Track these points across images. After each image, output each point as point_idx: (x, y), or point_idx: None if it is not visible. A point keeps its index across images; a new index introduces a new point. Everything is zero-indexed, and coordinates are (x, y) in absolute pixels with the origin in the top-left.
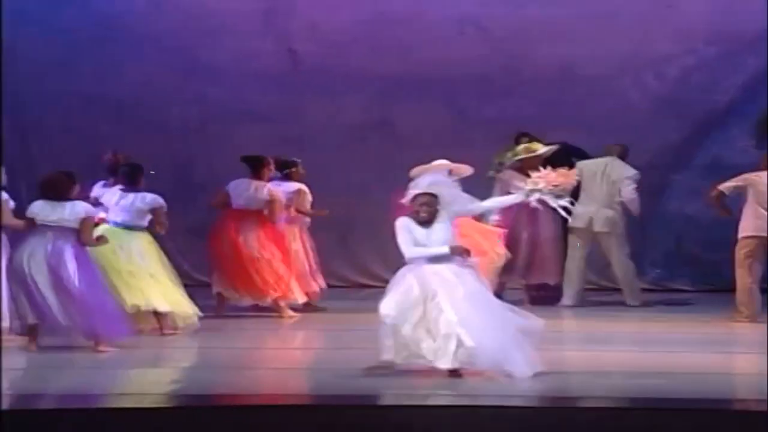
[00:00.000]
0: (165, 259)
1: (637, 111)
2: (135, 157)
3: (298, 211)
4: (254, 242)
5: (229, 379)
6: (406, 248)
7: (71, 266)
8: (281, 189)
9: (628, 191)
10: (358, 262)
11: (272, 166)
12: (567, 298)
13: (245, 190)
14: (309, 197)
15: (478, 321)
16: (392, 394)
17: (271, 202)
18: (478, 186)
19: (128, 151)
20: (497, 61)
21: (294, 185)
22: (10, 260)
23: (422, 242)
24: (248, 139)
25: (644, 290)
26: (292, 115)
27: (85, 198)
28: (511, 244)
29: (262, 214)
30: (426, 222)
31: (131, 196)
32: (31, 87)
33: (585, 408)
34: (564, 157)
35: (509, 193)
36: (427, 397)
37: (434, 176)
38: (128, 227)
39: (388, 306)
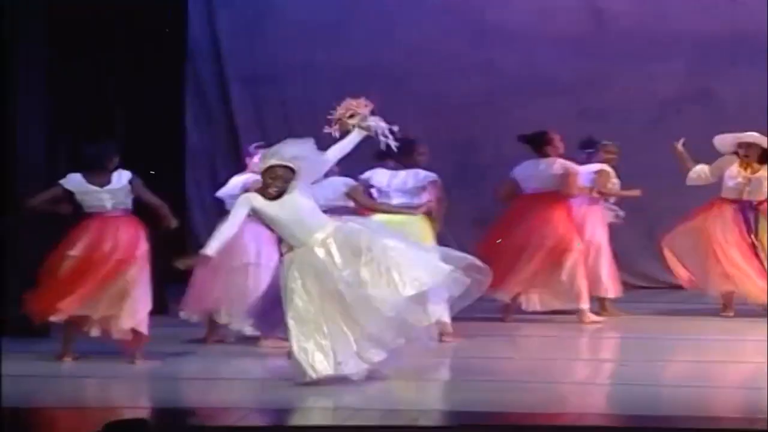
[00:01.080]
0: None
1: None
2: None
3: (601, 193)
4: (545, 228)
5: (506, 395)
6: (230, 225)
7: None
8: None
9: None
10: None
11: (557, 144)
12: None
13: (534, 170)
14: (614, 180)
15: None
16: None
17: (565, 176)
18: None
19: (403, 128)
20: None
21: (596, 165)
22: None
23: (275, 219)
24: (542, 113)
25: None
26: (595, 86)
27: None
28: None
29: (557, 196)
30: (274, 197)
31: (402, 173)
32: (292, 57)
33: None
34: None
35: None
36: None
37: (300, 148)
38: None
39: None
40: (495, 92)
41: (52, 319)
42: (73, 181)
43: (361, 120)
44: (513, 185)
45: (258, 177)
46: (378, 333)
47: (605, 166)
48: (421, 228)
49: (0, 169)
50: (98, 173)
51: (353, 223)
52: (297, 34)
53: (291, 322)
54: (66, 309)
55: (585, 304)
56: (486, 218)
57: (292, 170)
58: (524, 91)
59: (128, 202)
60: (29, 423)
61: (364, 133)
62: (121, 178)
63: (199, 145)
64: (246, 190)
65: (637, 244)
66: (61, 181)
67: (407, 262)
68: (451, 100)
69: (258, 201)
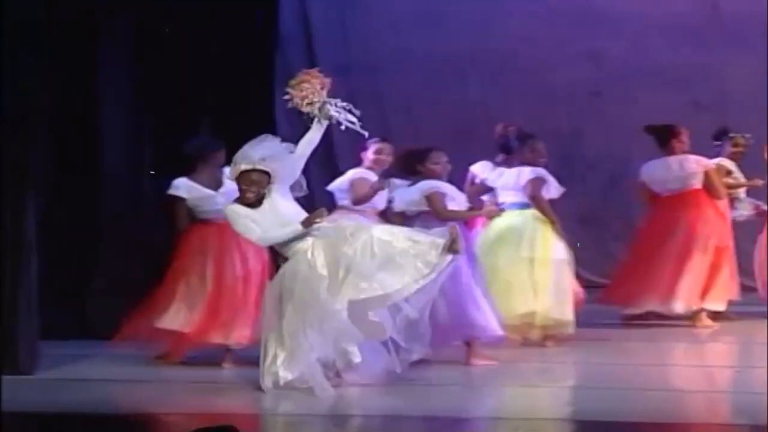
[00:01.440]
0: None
1: None
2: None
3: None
4: (705, 228)
5: (630, 403)
6: (256, 234)
7: None
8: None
9: None
10: None
11: (684, 139)
12: None
13: (666, 171)
14: (735, 174)
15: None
16: None
17: (705, 174)
18: None
19: (504, 120)
20: None
21: (714, 159)
22: None
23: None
24: (653, 105)
25: None
26: (709, 77)
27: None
28: None
29: (698, 195)
30: (253, 204)
31: (508, 170)
32: (387, 46)
33: None
34: None
35: None
36: None
37: (269, 149)
38: (519, 209)
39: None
40: (602, 82)
41: (228, 343)
42: (183, 187)
43: (319, 108)
44: (645, 186)
45: (366, 173)
46: (326, 343)
47: (723, 160)
48: (535, 229)
49: (84, 166)
50: (205, 173)
51: (344, 221)
52: (392, 22)
53: (269, 338)
54: (214, 338)
55: (716, 306)
56: (590, 214)
57: (266, 173)
58: (633, 80)
59: None
60: (113, 429)
61: (327, 121)
62: None
63: (290, 136)
64: (351, 184)
65: (751, 243)
66: (171, 191)
67: (381, 262)
68: (556, 90)
69: (243, 211)
